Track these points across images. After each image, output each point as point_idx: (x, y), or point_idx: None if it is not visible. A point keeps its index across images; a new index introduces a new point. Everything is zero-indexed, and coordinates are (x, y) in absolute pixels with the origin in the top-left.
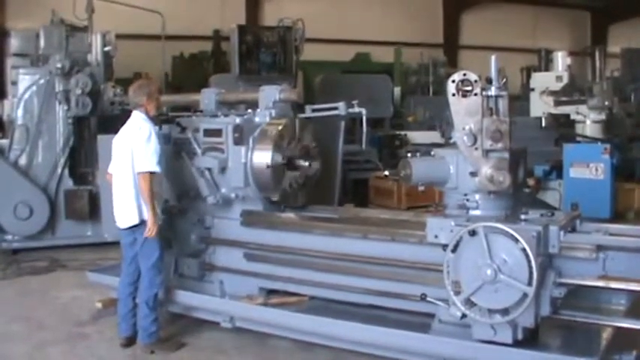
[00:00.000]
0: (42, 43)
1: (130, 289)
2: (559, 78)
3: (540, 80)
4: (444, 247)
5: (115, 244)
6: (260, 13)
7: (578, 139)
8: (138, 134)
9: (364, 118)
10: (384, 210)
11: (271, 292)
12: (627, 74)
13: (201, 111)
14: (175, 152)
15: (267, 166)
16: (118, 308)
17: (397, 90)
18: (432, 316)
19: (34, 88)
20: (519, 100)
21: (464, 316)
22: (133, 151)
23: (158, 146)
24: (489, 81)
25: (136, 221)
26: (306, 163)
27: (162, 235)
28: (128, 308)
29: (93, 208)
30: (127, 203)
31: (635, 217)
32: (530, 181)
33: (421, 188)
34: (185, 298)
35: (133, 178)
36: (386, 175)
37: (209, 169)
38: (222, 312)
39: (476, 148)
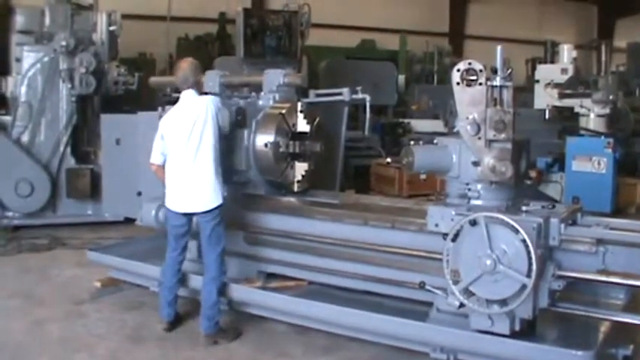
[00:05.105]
0: (47, 20)
1: (178, 275)
2: (564, 70)
3: (545, 72)
4: (444, 235)
5: (114, 223)
6: None
7: (582, 132)
8: (214, 110)
9: (367, 105)
10: (385, 197)
11: (270, 276)
12: (633, 69)
13: (205, 93)
14: None
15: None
16: (164, 295)
17: (401, 78)
18: (430, 304)
19: (38, 65)
20: (524, 92)
21: (462, 305)
22: (208, 126)
23: None
24: (494, 71)
25: (219, 202)
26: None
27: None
28: (174, 294)
29: (94, 187)
30: (206, 186)
31: (636, 212)
32: (532, 173)
33: (423, 176)
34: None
35: (212, 156)
36: (388, 163)
37: None
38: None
39: (479, 138)
